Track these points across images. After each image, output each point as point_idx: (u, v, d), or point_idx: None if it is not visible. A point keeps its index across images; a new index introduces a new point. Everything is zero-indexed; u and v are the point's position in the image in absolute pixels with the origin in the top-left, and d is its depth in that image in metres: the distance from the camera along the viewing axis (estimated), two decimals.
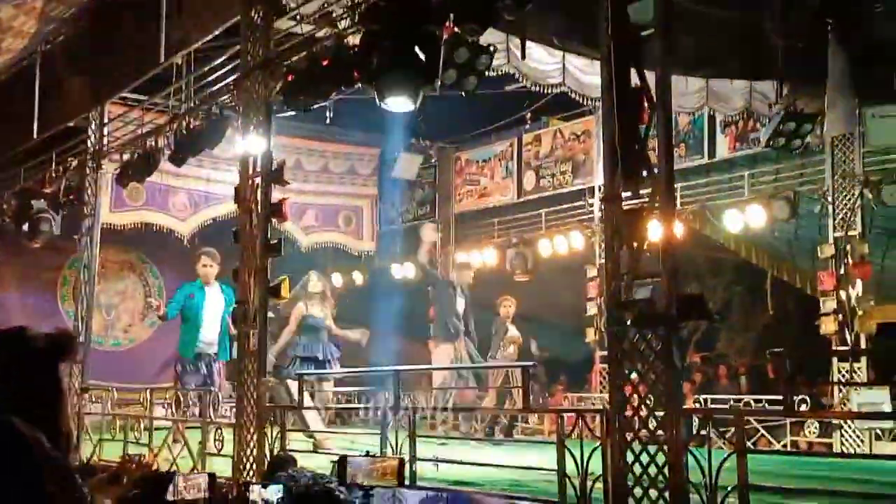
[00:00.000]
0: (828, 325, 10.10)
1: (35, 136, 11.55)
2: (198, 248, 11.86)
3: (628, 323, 5.62)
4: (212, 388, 9.98)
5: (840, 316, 10.03)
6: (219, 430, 8.67)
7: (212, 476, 5.55)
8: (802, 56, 9.19)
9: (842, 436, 9.85)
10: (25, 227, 11.94)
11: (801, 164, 11.16)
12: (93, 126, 11.34)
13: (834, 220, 10.30)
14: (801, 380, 8.90)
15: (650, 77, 5.86)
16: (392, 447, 7.22)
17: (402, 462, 6.10)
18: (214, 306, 10.73)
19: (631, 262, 5.76)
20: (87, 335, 10.96)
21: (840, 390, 10.07)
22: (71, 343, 1.94)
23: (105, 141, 11.30)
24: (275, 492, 5.04)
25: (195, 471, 7.23)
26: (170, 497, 4.44)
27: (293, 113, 9.02)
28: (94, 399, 10.50)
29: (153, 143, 10.44)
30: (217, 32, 9.28)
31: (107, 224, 12.17)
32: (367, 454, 6.80)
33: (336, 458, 7.25)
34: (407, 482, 6.75)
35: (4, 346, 1.80)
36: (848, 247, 10.14)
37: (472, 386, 11.48)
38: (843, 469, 8.06)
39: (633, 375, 5.77)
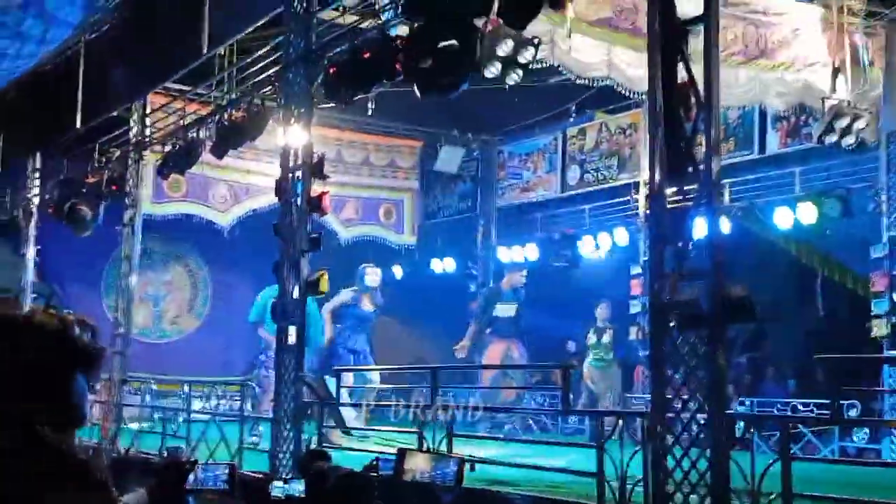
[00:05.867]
0: (879, 329, 9.81)
1: (78, 125, 11.58)
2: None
3: (671, 324, 5.46)
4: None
5: (892, 319, 9.74)
6: (255, 425, 8.64)
7: (232, 466, 5.45)
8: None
9: (892, 442, 9.56)
10: (68, 217, 11.99)
11: (855, 160, 10.82)
12: (135, 117, 11.38)
13: (888, 219, 9.99)
14: (850, 385, 8.65)
15: (698, 72, 5.69)
16: (429, 446, 7.12)
17: (462, 461, 5.86)
18: None
19: (676, 261, 5.60)
20: (127, 327, 11.00)
21: (891, 395, 9.78)
22: (100, 355, 1.65)
23: (147, 132, 11.32)
24: (297, 487, 4.90)
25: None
26: (189, 486, 4.35)
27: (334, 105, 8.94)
28: (133, 391, 10.53)
29: (195, 135, 10.44)
30: (260, 23, 9.23)
31: (148, 215, 12.19)
32: (429, 450, 6.65)
33: (372, 455, 7.19)
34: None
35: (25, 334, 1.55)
36: None
37: (517, 386, 11.26)
38: (893, 478, 7.80)
39: (676, 377, 5.62)
